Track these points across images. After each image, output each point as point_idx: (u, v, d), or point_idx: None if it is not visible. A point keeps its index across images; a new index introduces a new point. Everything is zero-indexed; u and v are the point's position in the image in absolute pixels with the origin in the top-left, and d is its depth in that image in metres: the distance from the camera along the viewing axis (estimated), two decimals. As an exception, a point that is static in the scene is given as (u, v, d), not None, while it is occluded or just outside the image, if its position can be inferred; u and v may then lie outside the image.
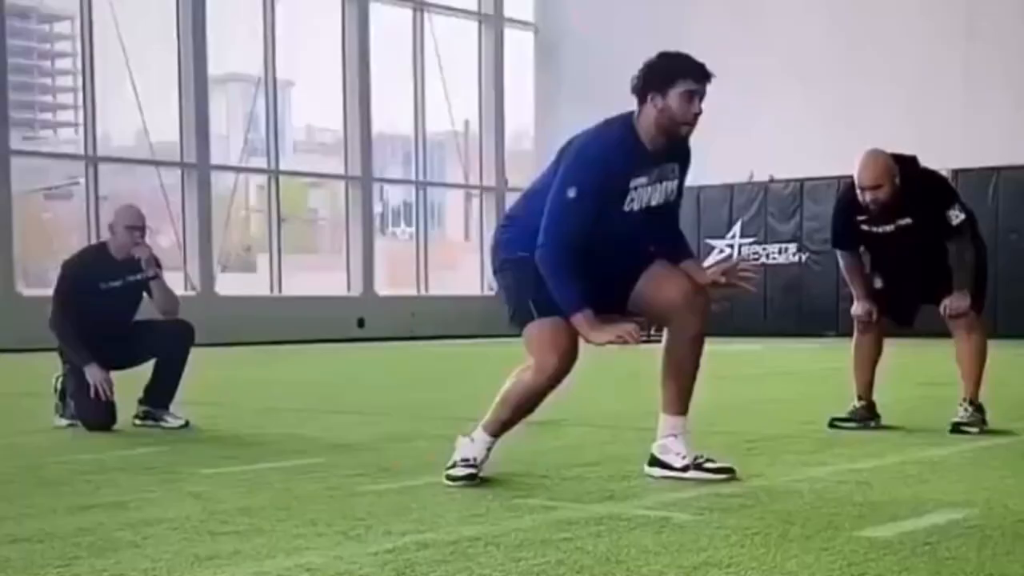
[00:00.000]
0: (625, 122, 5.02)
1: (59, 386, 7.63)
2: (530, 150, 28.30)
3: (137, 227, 7.52)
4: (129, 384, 7.50)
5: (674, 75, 4.93)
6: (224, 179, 23.02)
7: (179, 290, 8.20)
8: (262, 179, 23.74)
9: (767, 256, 24.41)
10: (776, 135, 23.60)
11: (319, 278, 25.13)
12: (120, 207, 7.84)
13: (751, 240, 24.59)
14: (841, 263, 7.20)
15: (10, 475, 5.49)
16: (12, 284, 19.94)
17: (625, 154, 4.90)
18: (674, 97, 4.89)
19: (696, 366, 5.15)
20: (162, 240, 20.77)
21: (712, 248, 24.93)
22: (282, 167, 23.59)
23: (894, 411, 7.29)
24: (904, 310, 7.12)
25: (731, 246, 24.79)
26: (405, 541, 3.83)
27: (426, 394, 10.78)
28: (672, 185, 5.07)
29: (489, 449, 5.15)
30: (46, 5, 27.17)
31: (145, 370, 7.60)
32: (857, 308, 7.08)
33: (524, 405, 5.16)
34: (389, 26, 25.09)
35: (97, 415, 7.25)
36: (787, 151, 23.31)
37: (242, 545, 3.81)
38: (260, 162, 23.49)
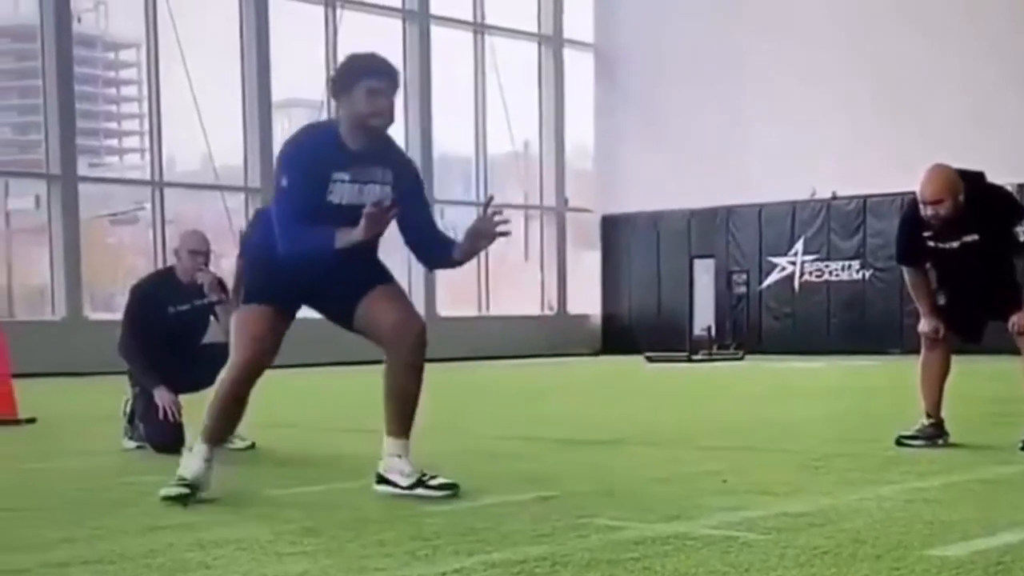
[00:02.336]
0: (331, 122, 5.35)
1: (128, 409, 7.70)
2: (590, 170, 28.30)
3: (201, 252, 7.58)
4: (197, 406, 7.56)
5: (356, 75, 5.14)
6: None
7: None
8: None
9: (830, 273, 24.26)
10: (838, 152, 23.45)
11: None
12: (185, 232, 7.92)
13: (814, 257, 24.44)
14: (907, 279, 7.14)
15: (80, 497, 5.55)
16: (80, 308, 20.18)
17: (325, 148, 5.12)
18: (359, 95, 5.09)
19: (414, 393, 5.34)
20: (226, 264, 20.94)
21: (775, 266, 24.80)
22: (343, 190, 23.73)
23: (962, 429, 7.21)
24: (971, 326, 7.04)
25: (793, 263, 24.65)
26: (472, 562, 3.83)
27: (490, 414, 10.78)
28: (384, 190, 5.18)
29: (207, 459, 5.28)
30: (111, 33, 27.54)
31: (212, 392, 7.66)
32: (924, 325, 7.01)
33: (226, 396, 5.32)
34: (449, 48, 25.21)
35: (165, 437, 7.31)
36: (850, 167, 23.15)
37: (310, 566, 3.83)
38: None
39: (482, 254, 23.44)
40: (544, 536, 4.25)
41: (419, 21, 24.53)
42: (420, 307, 23.99)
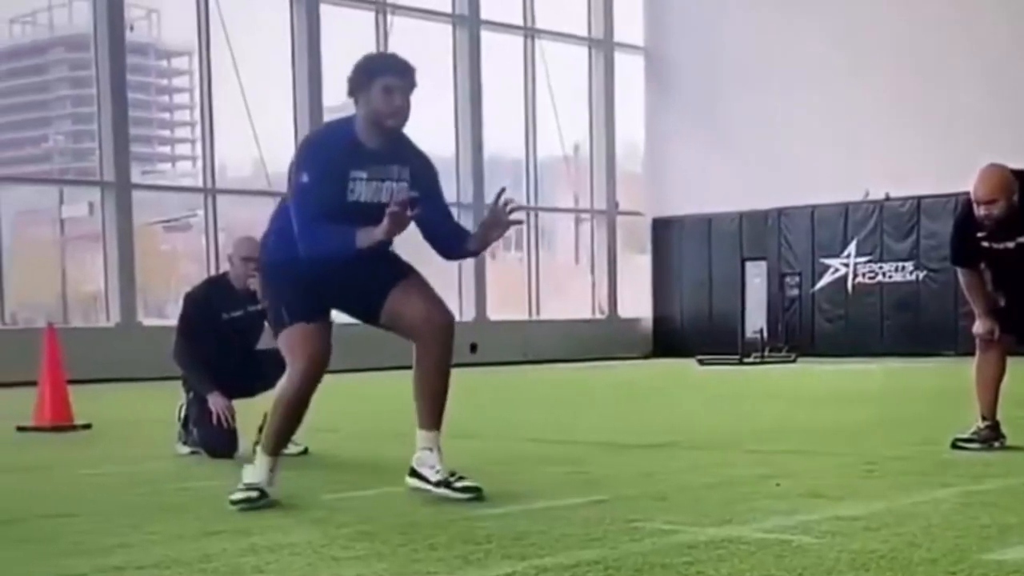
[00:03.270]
0: (348, 120, 5.33)
1: (182, 414, 7.75)
2: (640, 172, 28.25)
3: (252, 258, 7.59)
4: (250, 412, 7.61)
5: (373, 73, 5.20)
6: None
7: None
8: (375, 207, 24.01)
9: (883, 275, 24.09)
10: (892, 152, 23.28)
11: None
12: (238, 238, 7.95)
13: (867, 258, 24.27)
14: (961, 280, 7.07)
15: (135, 502, 5.59)
16: (134, 314, 20.37)
17: (342, 146, 5.18)
18: (376, 93, 5.15)
19: (444, 386, 5.44)
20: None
21: (827, 268, 24.66)
22: (395, 195, 23.84)
23: (1018, 431, 7.13)
24: (1027, 327, 6.95)
25: (846, 265, 24.49)
26: (524, 566, 3.83)
27: (540, 418, 10.77)
28: (401, 187, 5.23)
29: (272, 470, 5.33)
30: (163, 41, 27.78)
31: (266, 398, 7.69)
32: (979, 326, 6.94)
33: (289, 414, 5.37)
34: (500, 52, 25.24)
35: (219, 442, 7.36)
36: (904, 168, 22.97)
37: (364, 570, 3.84)
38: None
39: (531, 258, 23.51)
40: (596, 540, 4.24)
41: (469, 26, 24.58)
42: (471, 311, 24.41)
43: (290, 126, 22.30)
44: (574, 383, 17.31)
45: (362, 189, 5.18)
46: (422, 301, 5.37)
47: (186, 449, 7.69)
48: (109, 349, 18.74)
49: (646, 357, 25.99)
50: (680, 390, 15.03)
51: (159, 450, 7.82)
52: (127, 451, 8.02)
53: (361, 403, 13.32)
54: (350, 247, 5.06)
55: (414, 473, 5.39)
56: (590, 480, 6.00)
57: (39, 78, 27.60)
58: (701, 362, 21.44)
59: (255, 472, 5.33)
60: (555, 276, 27.58)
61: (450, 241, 5.56)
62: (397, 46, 23.33)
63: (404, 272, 5.44)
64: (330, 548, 4.22)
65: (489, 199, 21.33)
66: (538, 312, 26.32)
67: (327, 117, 22.79)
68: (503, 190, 5.54)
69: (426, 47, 24.37)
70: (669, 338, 26.72)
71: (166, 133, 31.34)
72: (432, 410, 5.43)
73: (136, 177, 21.41)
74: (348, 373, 17.99)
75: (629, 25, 27.26)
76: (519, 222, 5.54)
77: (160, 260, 24.72)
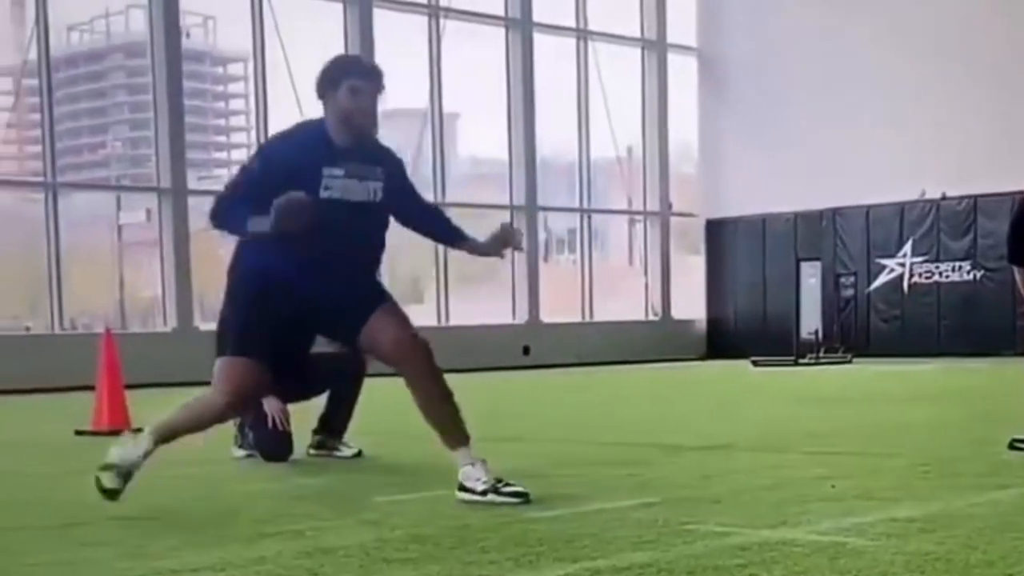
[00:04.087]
0: (319, 120, 5.43)
1: (238, 418, 7.81)
2: (693, 173, 28.16)
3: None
4: (304, 415, 7.66)
5: (340, 75, 5.34)
6: (391, 212, 23.38)
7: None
8: (428, 211, 24.04)
9: (940, 275, 23.88)
10: (948, 151, 23.06)
11: (484, 307, 25.32)
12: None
13: (923, 258, 24.07)
14: (1017, 279, 7.00)
15: (190, 505, 5.64)
16: (190, 319, 20.54)
17: (314, 144, 5.30)
18: (343, 94, 5.28)
19: (442, 399, 5.46)
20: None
21: (883, 268, 24.47)
22: (447, 198, 23.90)
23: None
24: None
25: (902, 265, 24.30)
26: (576, 568, 3.83)
27: (592, 420, 10.76)
28: (376, 186, 5.36)
29: (145, 455, 5.34)
30: (219, 48, 28.00)
31: (320, 401, 7.75)
32: (1036, 326, 6.86)
33: (193, 428, 5.47)
34: (552, 54, 25.24)
35: (274, 446, 7.41)
36: (960, 167, 22.76)
37: (416, 572, 3.85)
38: (426, 195, 23.78)
39: (585, 260, 23.40)
40: (648, 543, 4.24)
41: (522, 29, 24.60)
42: (524, 313, 24.40)
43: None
44: (627, 385, 17.28)
45: (337, 186, 5.27)
46: (395, 330, 5.44)
47: (242, 452, 7.74)
48: (166, 353, 18.89)
49: (700, 359, 25.90)
50: (734, 392, 14.96)
51: (215, 453, 7.87)
52: (183, 454, 8.05)
53: (414, 406, 13.33)
54: (244, 230, 5.18)
55: (462, 488, 5.42)
56: (643, 482, 5.99)
57: (97, 85, 27.91)
58: (755, 363, 21.33)
59: (129, 451, 5.34)
60: (608, 278, 27.54)
61: (436, 224, 5.78)
62: (450, 50, 23.42)
63: (380, 299, 5.49)
64: (383, 551, 4.24)
65: (542, 201, 21.31)
66: (591, 314, 26.29)
67: (381, 121, 22.87)
68: (513, 220, 5.73)
69: (479, 50, 24.43)
70: (723, 339, 26.62)
71: (222, 139, 31.59)
72: (449, 429, 5.47)
73: (192, 183, 21.58)
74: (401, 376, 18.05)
75: (682, 26, 27.17)
76: (520, 249, 5.81)
77: (216, 265, 24.90)
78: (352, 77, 5.31)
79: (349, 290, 5.36)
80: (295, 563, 4.05)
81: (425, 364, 5.42)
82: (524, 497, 5.28)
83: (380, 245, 5.52)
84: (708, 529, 4.50)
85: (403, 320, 5.49)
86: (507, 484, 5.34)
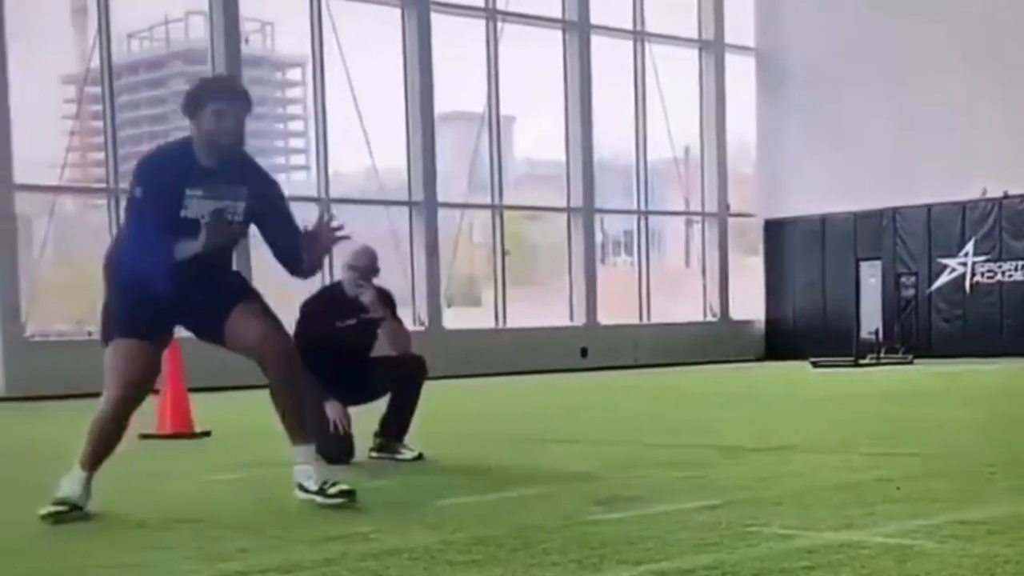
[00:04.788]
0: (186, 140, 5.50)
1: (299, 421, 7.84)
2: (750, 174, 28.03)
3: (357, 267, 7.66)
4: (365, 418, 7.69)
5: (204, 98, 5.40)
6: (448, 215, 23.42)
7: (408, 325, 8.35)
8: (486, 214, 24.09)
9: (1003, 274, 23.62)
10: (1009, 150, 22.80)
11: (541, 310, 25.33)
12: (351, 247, 8.00)
13: (985, 258, 23.82)
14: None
15: (253, 508, 5.68)
16: (250, 323, 20.68)
17: (179, 164, 5.39)
18: (206, 117, 5.35)
19: (297, 401, 5.59)
20: (390, 277, 21.20)
21: (944, 267, 24.23)
22: (504, 201, 23.94)
23: None
24: None
25: (964, 264, 24.06)
26: (640, 571, 3.82)
27: (651, 422, 10.73)
28: (239, 206, 5.42)
29: (86, 485, 5.39)
30: (277, 53, 28.18)
31: (380, 404, 7.78)
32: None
33: (103, 437, 5.44)
34: (609, 56, 25.20)
35: (335, 449, 7.43)
36: (1022, 165, 22.49)
37: (480, 574, 3.87)
38: (483, 197, 23.85)
39: (642, 262, 23.40)
40: (712, 545, 4.22)
41: (579, 31, 24.58)
42: (581, 316, 24.42)
43: (402, 134, 22.48)
44: (685, 386, 17.21)
45: (197, 206, 5.35)
46: (260, 324, 5.53)
47: (303, 455, 7.77)
48: (227, 357, 18.96)
49: (758, 360, 25.76)
50: (795, 393, 14.87)
51: (277, 456, 7.90)
52: (246, 457, 8.14)
53: (474, 408, 13.38)
54: (171, 257, 5.27)
55: (300, 487, 5.57)
56: (703, 484, 5.97)
57: (157, 92, 28.19)
58: (815, 364, 21.18)
59: (68, 485, 5.40)
60: (665, 280, 27.46)
61: (296, 259, 5.68)
62: (507, 53, 23.46)
63: (245, 295, 5.61)
64: (446, 553, 4.25)
65: (599, 203, 21.32)
66: (649, 316, 26.23)
67: (439, 124, 22.98)
68: (328, 207, 5.76)
69: (536, 53, 24.44)
70: (782, 340, 26.47)
71: (280, 144, 31.80)
72: (291, 425, 5.60)
73: (251, 188, 21.68)
74: (460, 379, 18.12)
75: (740, 26, 27.05)
76: (345, 238, 5.77)
77: (275, 269, 25.03)
78: (216, 100, 5.38)
79: (203, 295, 5.46)
80: (360, 565, 4.08)
81: (286, 366, 5.54)
82: (350, 496, 5.46)
83: (229, 259, 5.68)
84: (772, 531, 4.48)
85: (269, 319, 5.59)
86: (333, 484, 5.51)
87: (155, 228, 5.30)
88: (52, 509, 5.30)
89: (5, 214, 17.78)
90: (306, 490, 5.52)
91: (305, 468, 5.56)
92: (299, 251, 5.62)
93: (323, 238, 5.57)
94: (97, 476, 5.47)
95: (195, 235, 5.28)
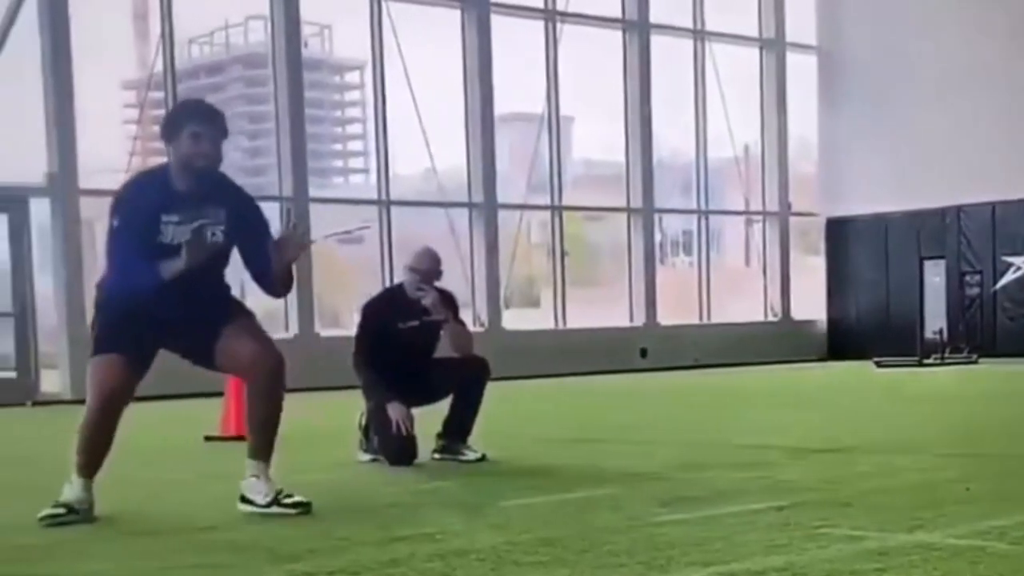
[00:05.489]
0: (163, 166, 5.57)
1: (363, 422, 7.88)
2: (811, 173, 27.82)
3: (419, 270, 7.67)
4: (428, 420, 7.71)
5: (181, 121, 5.48)
6: (506, 216, 23.43)
7: (468, 327, 8.34)
8: (544, 215, 24.07)
9: (1071, 273, 23.31)
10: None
11: (600, 310, 25.27)
12: (413, 249, 8.02)
13: (1051, 255, 23.52)
14: None
15: (319, 509, 5.68)
16: (312, 325, 20.79)
17: (154, 191, 5.46)
18: (184, 140, 5.40)
19: (272, 421, 5.63)
20: (450, 279, 21.21)
21: (1010, 265, 23.93)
22: (564, 202, 23.90)
23: None
24: None
25: (1030, 263, 23.77)
26: (709, 572, 3.80)
27: (713, 422, 10.67)
28: (218, 229, 5.46)
29: (85, 490, 5.47)
30: (335, 57, 28.32)
31: (443, 405, 7.79)
32: None
33: (90, 444, 5.48)
34: (669, 55, 25.11)
35: (399, 450, 7.46)
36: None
37: (547, 576, 3.86)
38: (541, 198, 23.84)
39: (702, 262, 23.23)
40: (781, 547, 4.19)
41: (639, 31, 24.51)
42: (641, 316, 24.34)
43: (461, 135, 22.51)
44: (747, 386, 17.11)
45: (173, 232, 5.40)
46: (253, 343, 5.59)
47: (367, 457, 7.81)
48: (288, 359, 19.12)
49: (820, 360, 25.57)
50: (859, 393, 14.74)
51: (341, 458, 7.96)
52: (310, 459, 8.18)
53: (535, 409, 13.37)
54: (156, 278, 5.32)
55: (244, 499, 5.59)
56: (770, 485, 5.93)
57: (217, 96, 28.40)
58: (879, 364, 20.99)
59: (70, 491, 5.48)
60: (725, 279, 27.31)
61: (270, 277, 5.68)
62: (567, 54, 23.43)
63: (236, 314, 5.66)
64: (513, 554, 4.25)
65: (659, 203, 21.21)
66: (709, 316, 26.10)
67: (498, 126, 22.98)
68: (290, 212, 5.84)
69: (596, 54, 24.39)
70: (844, 340, 26.24)
71: (338, 147, 31.96)
72: (257, 441, 5.64)
73: (312, 191, 21.81)
74: (520, 380, 18.11)
75: (801, 24, 26.86)
76: (311, 242, 5.98)
77: (336, 272, 25.20)
78: (193, 123, 5.44)
79: (192, 314, 5.50)
80: (427, 566, 4.09)
81: (274, 384, 5.60)
82: (306, 507, 5.49)
83: (219, 279, 5.68)
84: (841, 533, 4.44)
85: (262, 336, 5.67)
86: (288, 495, 5.52)
87: (137, 254, 5.39)
88: (49, 512, 5.39)
89: (71, 218, 17.98)
90: (252, 503, 5.54)
91: (256, 483, 5.58)
92: (270, 274, 5.65)
93: (289, 245, 5.60)
94: (97, 481, 5.55)
95: (176, 257, 5.35)
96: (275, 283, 5.67)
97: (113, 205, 5.52)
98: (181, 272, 5.30)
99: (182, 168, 5.45)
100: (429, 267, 7.71)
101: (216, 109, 5.60)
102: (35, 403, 16.65)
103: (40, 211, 18.02)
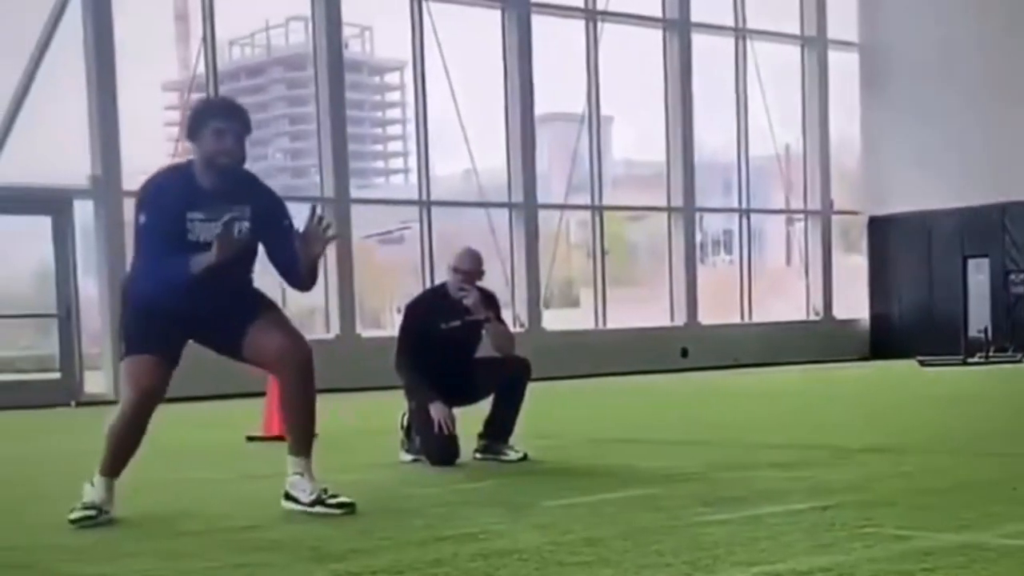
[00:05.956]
0: (187, 163, 5.59)
1: (405, 422, 7.89)
2: (853, 171, 27.65)
3: (461, 270, 7.67)
4: (470, 419, 7.71)
5: (204, 118, 5.48)
6: (546, 216, 23.41)
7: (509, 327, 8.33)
8: (584, 215, 24.05)
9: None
10: None
11: (640, 310, 25.21)
12: (455, 250, 8.02)
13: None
14: None
15: (362, 508, 5.68)
16: (353, 326, 20.85)
17: (179, 188, 5.46)
18: (208, 136, 5.41)
19: (304, 414, 5.65)
20: (490, 278, 21.21)
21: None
22: (604, 201, 23.86)
23: None
24: None
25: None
26: (754, 572, 3.78)
27: (756, 422, 10.61)
28: (243, 226, 5.44)
29: (109, 490, 5.50)
30: (376, 58, 28.40)
31: (485, 405, 7.79)
32: None
33: (121, 442, 5.52)
34: (710, 54, 25.03)
35: (441, 450, 7.47)
36: None
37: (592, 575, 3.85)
38: (582, 198, 23.81)
39: (743, 260, 23.15)
40: (826, 546, 4.16)
41: (679, 29, 24.44)
42: (681, 315, 24.30)
43: (501, 135, 22.51)
44: (792, 386, 17.03)
45: (200, 229, 5.41)
46: (281, 336, 5.59)
47: (409, 457, 7.82)
48: (330, 360, 19.05)
49: (862, 359, 25.42)
50: (903, 392, 14.64)
51: (383, 458, 7.98)
52: (352, 459, 8.20)
53: (575, 409, 13.35)
54: (185, 272, 5.33)
55: (288, 496, 5.61)
56: (813, 485, 5.89)
57: (257, 98, 28.56)
58: (922, 363, 20.84)
59: (94, 492, 5.51)
60: (766, 278, 27.19)
61: (296, 271, 5.66)
62: (607, 53, 23.39)
63: (264, 308, 5.66)
64: (557, 554, 4.24)
65: (699, 202, 21.16)
66: (750, 315, 25.99)
67: (538, 126, 22.96)
68: (314, 207, 5.85)
69: (636, 53, 24.33)
70: (887, 339, 26.08)
71: (379, 148, 32.07)
72: (295, 436, 5.67)
73: (353, 192, 21.88)
74: (560, 380, 18.09)
75: (843, 21, 26.71)
76: (336, 237, 5.81)
77: (376, 272, 25.27)
78: (216, 119, 5.45)
79: (220, 309, 5.52)
80: (471, 565, 4.08)
81: (305, 378, 5.60)
82: (350, 508, 5.50)
83: (246, 273, 5.69)
84: (887, 532, 4.40)
85: (290, 329, 5.66)
86: (333, 496, 5.53)
87: (165, 250, 5.40)
88: (80, 514, 5.42)
89: (114, 221, 18.09)
90: (296, 501, 5.56)
91: (300, 480, 5.59)
92: (296, 269, 5.64)
93: (314, 239, 5.58)
94: (120, 481, 5.59)
95: (205, 252, 5.35)
96: (302, 277, 5.66)
97: (139, 200, 5.55)
98: (211, 266, 5.31)
99: (206, 165, 5.46)
100: (472, 267, 7.70)
101: (238, 105, 5.62)
102: (79, 404, 16.76)
103: (84, 213, 18.15)
